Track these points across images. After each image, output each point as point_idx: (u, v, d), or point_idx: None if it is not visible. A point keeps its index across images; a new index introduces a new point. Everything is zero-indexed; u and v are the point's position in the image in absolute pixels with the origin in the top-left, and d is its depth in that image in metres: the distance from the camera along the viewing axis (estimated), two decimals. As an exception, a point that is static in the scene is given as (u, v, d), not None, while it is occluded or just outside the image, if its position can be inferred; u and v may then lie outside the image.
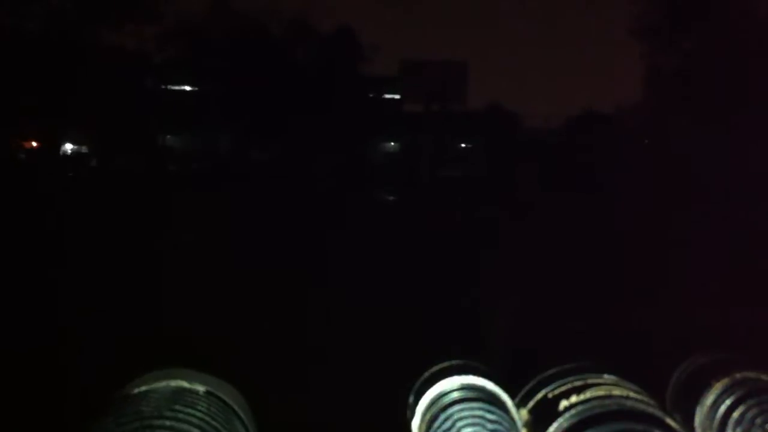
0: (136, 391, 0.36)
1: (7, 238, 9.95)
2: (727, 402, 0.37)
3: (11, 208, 13.56)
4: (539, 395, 0.36)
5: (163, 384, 0.36)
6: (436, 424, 0.35)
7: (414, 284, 8.62)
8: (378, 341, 5.81)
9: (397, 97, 31.57)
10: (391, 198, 25.05)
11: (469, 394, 0.36)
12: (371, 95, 31.34)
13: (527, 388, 0.37)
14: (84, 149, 31.19)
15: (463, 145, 34.66)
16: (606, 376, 0.36)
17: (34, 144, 27.73)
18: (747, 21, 23.92)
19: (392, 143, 34.56)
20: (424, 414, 0.36)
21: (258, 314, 6.66)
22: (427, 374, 0.38)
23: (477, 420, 0.34)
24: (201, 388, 0.36)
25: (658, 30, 26.37)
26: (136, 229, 11.76)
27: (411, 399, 0.37)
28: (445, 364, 0.38)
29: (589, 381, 0.36)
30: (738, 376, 0.37)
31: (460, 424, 0.34)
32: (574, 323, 6.81)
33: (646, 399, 0.35)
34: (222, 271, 8.64)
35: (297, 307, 7.10)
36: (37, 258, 8.41)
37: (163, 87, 30.65)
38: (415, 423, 0.36)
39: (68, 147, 30.91)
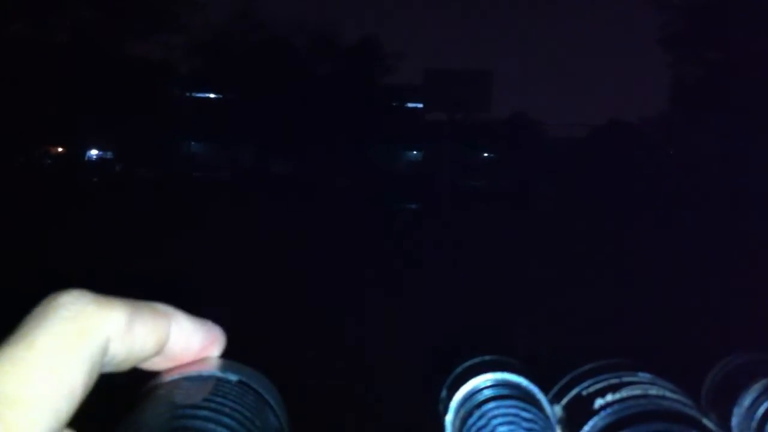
0: (168, 379, 0.36)
1: (32, 242, 10.08)
2: (766, 404, 0.36)
3: (37, 213, 13.73)
4: (573, 392, 0.36)
5: (195, 373, 0.36)
6: (471, 420, 0.34)
7: (442, 287, 8.65)
8: (408, 340, 5.83)
9: (420, 106, 31.58)
10: (414, 207, 25.08)
11: (504, 391, 0.35)
12: (394, 104, 31.40)
13: (561, 384, 0.37)
14: (109, 155, 31.55)
15: (486, 155, 34.63)
16: (641, 374, 0.36)
17: (60, 150, 28.13)
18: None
19: (415, 152, 34.60)
20: (457, 410, 0.36)
21: (287, 313, 6.72)
22: (459, 369, 0.37)
23: (512, 418, 0.34)
24: (233, 378, 0.36)
25: (685, 40, 26.23)
26: (158, 234, 11.87)
27: (444, 394, 0.37)
28: (478, 359, 0.38)
29: (625, 379, 0.36)
30: (777, 376, 0.37)
31: (495, 421, 0.34)
32: (606, 321, 6.81)
33: (682, 399, 0.35)
34: (248, 277, 8.70)
35: (324, 307, 7.14)
36: (61, 262, 8.51)
37: (188, 96, 30.95)
38: (449, 418, 0.36)
39: (93, 153, 31.28)
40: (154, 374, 0.37)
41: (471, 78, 27.16)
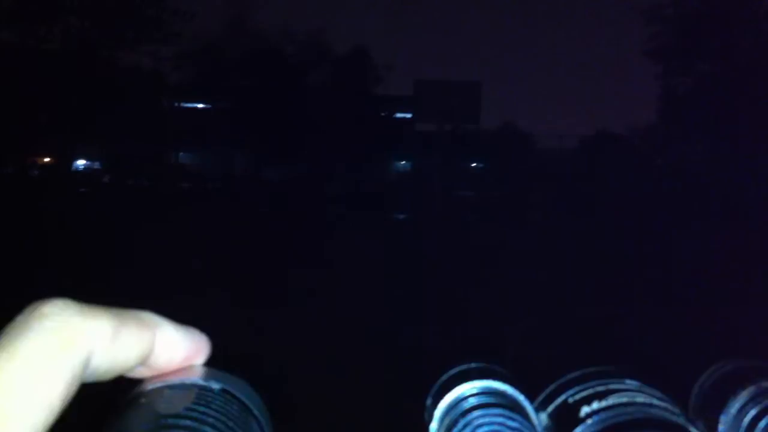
0: (151, 387, 0.35)
1: (18, 252, 10.02)
2: (753, 411, 0.36)
3: (23, 222, 13.66)
4: (559, 400, 0.36)
5: (177, 381, 0.36)
6: (456, 429, 0.34)
7: (429, 297, 8.65)
8: (394, 347, 5.83)
9: (409, 116, 31.66)
10: (404, 216, 25.07)
11: (490, 400, 0.35)
12: (384, 114, 31.45)
13: (547, 391, 0.37)
14: (97, 165, 31.45)
15: (475, 165, 34.70)
16: (628, 381, 0.36)
17: (47, 160, 27.99)
18: (764, 42, 23.91)
19: (405, 162, 34.66)
20: (442, 418, 0.35)
21: (272, 323, 6.70)
22: (445, 377, 0.37)
23: (498, 427, 0.34)
24: (217, 386, 0.36)
25: (674, 51, 26.39)
26: (146, 244, 11.83)
27: (429, 402, 0.37)
28: (464, 367, 0.37)
29: (611, 387, 0.35)
30: (765, 384, 0.37)
31: (480, 430, 0.33)
32: (594, 328, 6.83)
33: (669, 406, 0.34)
34: (235, 287, 8.66)
35: (309, 316, 7.13)
36: (49, 272, 8.47)
37: (178, 106, 30.88)
38: (434, 427, 0.36)
39: (81, 163, 31.15)
40: (136, 381, 0.37)
41: (460, 89, 27.24)
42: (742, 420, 0.36)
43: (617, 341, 6.19)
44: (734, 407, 0.37)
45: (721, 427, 0.37)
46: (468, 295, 8.81)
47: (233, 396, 0.36)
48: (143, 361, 0.36)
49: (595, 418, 0.34)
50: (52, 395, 0.30)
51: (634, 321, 7.31)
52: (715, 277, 10.16)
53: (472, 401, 0.35)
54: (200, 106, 31.51)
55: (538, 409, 0.36)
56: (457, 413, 0.35)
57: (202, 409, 0.33)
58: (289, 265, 10.61)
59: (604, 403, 0.34)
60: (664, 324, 7.09)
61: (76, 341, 0.32)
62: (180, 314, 0.39)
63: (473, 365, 0.37)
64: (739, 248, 13.17)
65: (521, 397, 0.36)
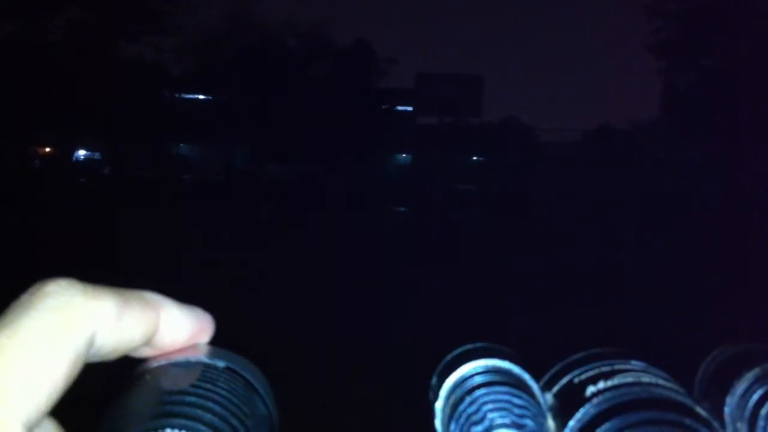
0: (155, 365, 0.36)
1: (18, 242, 10.04)
2: (759, 392, 0.36)
3: (23, 213, 13.68)
4: (565, 380, 0.36)
5: (182, 359, 0.36)
6: (462, 407, 0.34)
7: (428, 294, 8.67)
8: (394, 347, 5.85)
9: (410, 109, 31.58)
10: (404, 210, 25.06)
11: (495, 378, 0.35)
12: (385, 107, 31.41)
13: (552, 371, 0.37)
14: (97, 156, 31.44)
15: (477, 159, 34.68)
16: (634, 362, 0.36)
17: (48, 150, 27.99)
18: (766, 39, 23.87)
19: (405, 155, 34.63)
20: (448, 396, 0.35)
21: (284, 313, 6.73)
22: (450, 356, 0.37)
23: (504, 404, 0.34)
24: (221, 364, 0.36)
25: (676, 46, 26.33)
26: (147, 236, 11.84)
27: (434, 381, 0.37)
28: (469, 346, 0.37)
29: (617, 367, 0.35)
30: (769, 366, 0.37)
31: (486, 408, 0.34)
32: (602, 312, 6.86)
33: (675, 387, 0.35)
34: (235, 280, 8.67)
35: (315, 305, 7.16)
36: (49, 263, 8.47)
37: (179, 97, 30.83)
38: (439, 405, 0.36)
39: (82, 154, 31.15)
40: (140, 361, 0.37)
41: (462, 82, 27.10)
42: (747, 401, 0.36)
43: (617, 340, 6.20)
44: (740, 389, 0.37)
45: (726, 408, 0.37)
46: (467, 293, 8.82)
47: (238, 374, 0.36)
48: (148, 341, 0.36)
49: (601, 397, 0.34)
50: (56, 374, 0.30)
51: (633, 320, 7.33)
52: (721, 267, 10.20)
53: (478, 379, 0.35)
54: (202, 97, 31.47)
55: (544, 389, 0.36)
56: (463, 391, 0.35)
57: (206, 386, 0.34)
58: (288, 262, 10.62)
59: (609, 383, 0.34)
60: (668, 309, 7.12)
61: (79, 320, 0.32)
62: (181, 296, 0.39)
63: (478, 345, 0.37)
64: (739, 247, 13.18)
65: (527, 376, 0.36)
